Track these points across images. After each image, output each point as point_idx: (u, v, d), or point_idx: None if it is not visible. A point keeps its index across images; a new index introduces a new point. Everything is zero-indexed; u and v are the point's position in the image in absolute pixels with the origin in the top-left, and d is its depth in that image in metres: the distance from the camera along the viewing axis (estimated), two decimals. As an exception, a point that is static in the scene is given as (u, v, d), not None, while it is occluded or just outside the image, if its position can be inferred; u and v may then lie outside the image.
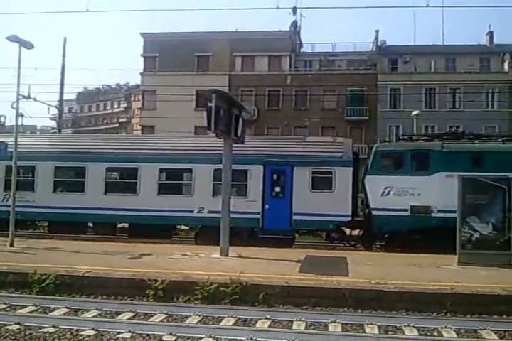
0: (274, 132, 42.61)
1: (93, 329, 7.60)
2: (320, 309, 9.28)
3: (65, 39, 33.45)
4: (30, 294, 9.96)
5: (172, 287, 9.81)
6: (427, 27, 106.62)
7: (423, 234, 16.52)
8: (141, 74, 47.93)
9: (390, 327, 8.12)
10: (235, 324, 8.23)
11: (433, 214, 16.59)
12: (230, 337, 7.30)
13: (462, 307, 9.09)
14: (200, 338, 7.26)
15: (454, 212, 14.99)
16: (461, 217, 12.80)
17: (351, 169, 17.75)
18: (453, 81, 43.49)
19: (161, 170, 18.75)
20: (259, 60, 47.43)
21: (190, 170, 18.49)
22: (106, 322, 8.02)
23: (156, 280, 9.84)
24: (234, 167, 16.04)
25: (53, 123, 57.56)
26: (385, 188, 17.01)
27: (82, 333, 7.42)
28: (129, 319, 8.42)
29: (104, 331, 7.55)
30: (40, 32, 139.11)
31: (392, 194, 16.95)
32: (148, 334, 7.41)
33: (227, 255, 13.21)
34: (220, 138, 14.25)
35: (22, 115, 17.47)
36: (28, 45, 15.45)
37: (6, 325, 7.74)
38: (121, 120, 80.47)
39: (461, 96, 43.56)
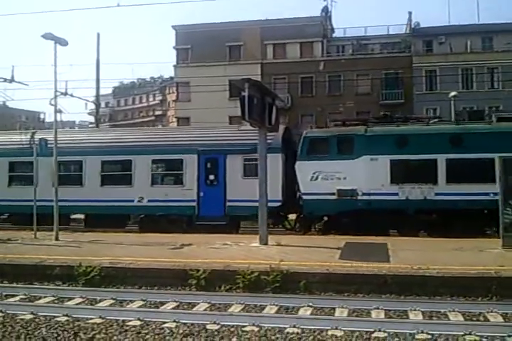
0: (308, 119, 42.32)
1: (139, 319, 7.76)
2: (362, 296, 9.26)
3: (98, 35, 34.00)
4: (76, 286, 10.26)
5: (214, 276, 9.94)
6: (462, 6, 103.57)
7: (350, 216, 16.88)
8: (175, 66, 48.20)
9: (434, 312, 8.04)
10: (277, 312, 8.28)
11: (358, 197, 16.95)
12: (273, 325, 7.34)
13: (508, 291, 8.92)
14: (244, 326, 7.33)
15: (378, 194, 16.74)
16: (504, 199, 12.47)
17: (280, 155, 17.96)
18: (490, 60, 42.18)
19: (103, 163, 19.38)
20: (290, 47, 47.02)
21: (130, 162, 19.03)
22: (151, 312, 8.19)
23: (197, 270, 9.98)
24: (170, 157, 17.71)
25: (91, 118, 58.73)
26: (314, 173, 17.35)
27: (128, 323, 7.58)
28: (173, 308, 8.58)
29: (149, 321, 7.70)
30: (74, 29, 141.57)
31: (321, 178, 17.30)
32: (192, 324, 7.52)
33: (266, 243, 13.27)
34: (255, 127, 14.25)
35: (60, 111, 17.84)
36: (63, 42, 15.73)
37: (55, 316, 7.99)
38: (156, 113, 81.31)
39: (499, 76, 42.26)
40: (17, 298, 9.41)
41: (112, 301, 9.08)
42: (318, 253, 11.88)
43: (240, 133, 19.03)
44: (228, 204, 18.05)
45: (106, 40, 63.75)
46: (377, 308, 8.22)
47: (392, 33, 48.75)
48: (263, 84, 15.03)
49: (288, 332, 7.07)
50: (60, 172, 17.97)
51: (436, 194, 16.51)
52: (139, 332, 7.15)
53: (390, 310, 8.19)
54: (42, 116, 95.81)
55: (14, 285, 10.44)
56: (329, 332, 7.05)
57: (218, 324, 7.46)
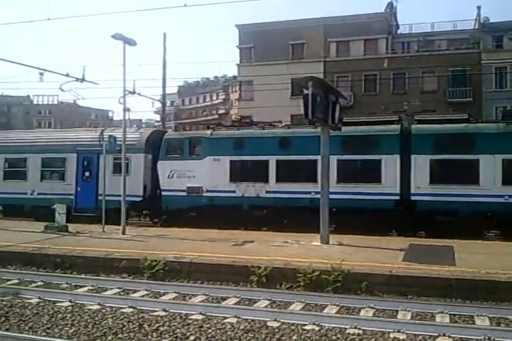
0: (372, 118, 41.58)
1: (201, 313, 7.92)
2: (426, 299, 9.03)
3: (164, 35, 34.68)
4: (141, 279, 10.58)
5: (275, 274, 9.98)
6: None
7: (197, 211, 18.70)
8: (238, 65, 48.61)
9: (502, 319, 7.75)
10: (338, 312, 8.23)
11: (203, 194, 18.71)
12: (333, 325, 7.30)
13: None
14: (304, 325, 7.32)
15: (219, 191, 18.50)
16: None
17: (143, 155, 19.96)
18: None
19: (6, 160, 22.13)
20: (354, 45, 46.33)
21: (25, 160, 21.50)
22: (213, 307, 8.34)
23: (259, 267, 10.05)
24: (55, 155, 20.35)
25: (157, 117, 60.23)
26: (170, 172, 19.27)
27: (191, 317, 7.75)
28: (235, 304, 8.69)
29: (211, 315, 7.84)
30: (142, 29, 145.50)
31: (176, 176, 19.19)
32: (253, 320, 7.59)
33: (327, 243, 13.18)
34: (318, 125, 14.16)
35: (129, 109, 18.37)
36: (132, 42, 16.22)
37: (121, 308, 8.28)
38: (220, 111, 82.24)
39: None
40: (85, 289, 9.82)
41: (175, 295, 9.31)
42: (381, 254, 11.69)
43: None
44: (99, 198, 19.00)
45: (172, 39, 64.93)
46: (442, 312, 8.01)
47: (460, 28, 47.15)
48: (327, 82, 14.92)
49: (349, 333, 7.02)
50: None
51: (267, 192, 18.00)
52: (201, 326, 7.28)
53: (455, 315, 7.97)
54: (110, 114, 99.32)
55: (83, 276, 10.90)
56: (391, 335, 6.94)
57: (279, 321, 7.49)
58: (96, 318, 7.68)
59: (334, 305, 8.47)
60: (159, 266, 10.70)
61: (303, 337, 6.82)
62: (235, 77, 60.91)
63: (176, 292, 9.42)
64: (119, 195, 16.80)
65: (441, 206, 16.25)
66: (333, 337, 6.83)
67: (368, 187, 16.90)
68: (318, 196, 15.11)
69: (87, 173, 20.62)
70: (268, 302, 8.77)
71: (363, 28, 44.65)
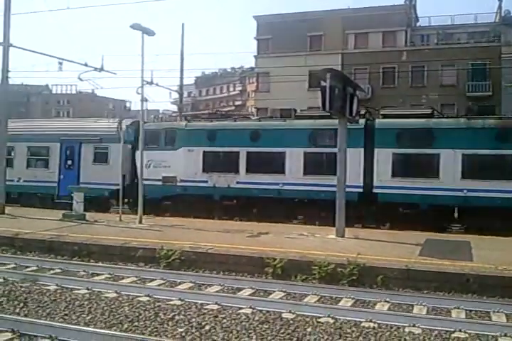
0: (389, 111, 41.23)
1: (216, 303, 7.97)
2: (442, 294, 8.99)
3: (182, 25, 34.92)
4: (157, 268, 10.66)
5: (290, 266, 10.00)
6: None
7: (171, 200, 19.21)
8: (255, 56, 48.43)
9: (519, 316, 7.69)
10: (353, 305, 8.23)
11: (178, 183, 19.21)
12: (348, 318, 7.31)
13: None
14: (319, 317, 7.34)
15: (192, 181, 18.98)
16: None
17: (122, 145, 19.40)
18: None
19: None
20: (372, 37, 45.89)
21: (12, 148, 21.62)
22: (228, 298, 8.38)
23: (274, 259, 10.08)
24: (40, 144, 20.73)
25: (174, 108, 60.32)
26: (148, 161, 19.35)
27: (206, 307, 7.80)
28: (250, 295, 8.73)
29: (226, 306, 7.89)
30: (160, 19, 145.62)
31: (152, 166, 19.60)
32: (268, 311, 7.63)
33: (343, 236, 13.16)
34: (335, 117, 14.10)
35: (146, 100, 18.52)
36: (150, 33, 16.22)
37: (137, 296, 8.37)
38: (236, 103, 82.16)
39: None
40: (102, 277, 9.93)
41: (190, 284, 9.38)
42: (397, 248, 11.65)
43: (94, 126, 21.39)
44: (81, 186, 20.02)
45: (191, 30, 64.96)
46: (458, 308, 7.98)
47: (480, 21, 46.45)
48: (345, 74, 14.84)
49: (364, 326, 7.01)
50: None
51: (238, 182, 18.50)
52: (217, 316, 7.32)
53: (471, 311, 7.94)
54: (128, 104, 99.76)
55: (100, 264, 11.02)
56: (406, 329, 6.93)
57: (294, 313, 7.52)
58: (113, 306, 7.76)
59: (349, 298, 8.48)
60: (175, 256, 10.78)
61: (318, 329, 6.83)
62: (252, 69, 60.72)
63: (191, 282, 9.49)
64: (101, 184, 17.57)
65: (403, 199, 16.63)
66: (348, 330, 6.83)
67: (333, 180, 16.73)
68: (286, 187, 17.12)
69: (69, 162, 21.39)
70: (283, 293, 8.81)
71: (381, 21, 44.20)
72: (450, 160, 16.40)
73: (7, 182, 20.20)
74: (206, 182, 18.86)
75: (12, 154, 22.02)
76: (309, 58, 42.29)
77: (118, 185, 19.27)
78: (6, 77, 18.45)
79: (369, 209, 17.25)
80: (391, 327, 7.00)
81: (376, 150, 17.22)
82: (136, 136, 20.13)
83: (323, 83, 12.59)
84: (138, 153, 19.45)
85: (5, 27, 18.28)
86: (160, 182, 19.44)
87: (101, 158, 20.66)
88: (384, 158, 17.07)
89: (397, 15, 45.41)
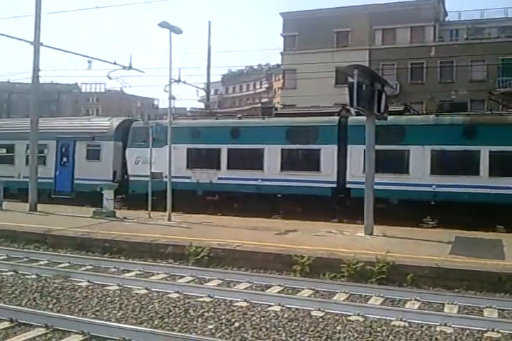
0: (418, 107, 40.74)
1: (245, 300, 7.99)
2: (473, 293, 8.85)
3: (209, 23, 34.87)
4: (187, 265, 10.74)
5: (318, 263, 9.96)
6: None
7: (157, 195, 18.75)
8: (282, 53, 48.35)
9: (554, 316, 7.53)
10: (382, 303, 8.16)
11: (164, 179, 18.72)
12: (378, 317, 7.25)
13: None
14: (349, 316, 7.30)
15: (178, 177, 18.83)
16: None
17: (113, 143, 21.55)
18: None
19: None
20: (400, 33, 45.35)
21: (13, 146, 23.37)
22: (257, 295, 8.39)
23: (302, 257, 10.05)
24: (38, 142, 20.18)
25: (201, 105, 60.59)
26: (137, 158, 20.62)
27: (235, 304, 7.82)
28: (278, 293, 8.73)
29: (255, 303, 7.91)
30: (187, 17, 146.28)
31: (141, 163, 20.31)
32: (297, 309, 7.62)
33: (371, 234, 13.06)
34: (363, 114, 13.98)
35: (174, 98, 18.88)
36: (178, 31, 16.32)
37: (167, 293, 8.44)
38: (263, 100, 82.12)
39: None
40: (132, 274, 10.05)
41: (219, 281, 9.43)
42: (427, 246, 11.52)
43: (87, 124, 22.24)
44: (75, 182, 21.76)
45: (217, 28, 65.07)
46: (490, 307, 7.85)
47: (511, 16, 45.50)
48: (372, 70, 14.69)
49: (394, 325, 6.94)
50: None
51: (219, 178, 19.11)
52: (246, 313, 7.33)
53: (503, 310, 7.79)
54: (156, 102, 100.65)
55: (130, 261, 11.16)
56: (438, 329, 6.83)
57: (323, 311, 7.49)
58: (143, 302, 7.82)
59: (379, 296, 8.41)
60: (204, 253, 10.84)
61: (347, 327, 6.78)
62: (278, 66, 60.60)
63: (220, 279, 9.54)
64: (93, 179, 18.40)
65: (374, 194, 16.79)
66: (378, 329, 6.77)
67: (309, 175, 17.98)
68: (265, 183, 18.09)
69: (64, 159, 22.54)
70: (311, 291, 8.78)
71: (409, 16, 43.65)
72: (419, 157, 16.88)
73: (8, 179, 21.39)
74: (190, 178, 19.53)
75: (13, 152, 23.64)
76: (336, 54, 42.06)
77: (108, 181, 20.53)
78: (36, 75, 18.82)
79: (343, 204, 17.83)
80: (422, 326, 6.92)
81: (349, 147, 17.75)
82: (126, 133, 21.59)
83: (350, 79, 12.50)
84: (128, 151, 21.21)
85: (35, 27, 18.63)
86: (147, 178, 19.55)
87: (93, 155, 21.87)
88: (356, 154, 17.37)
89: (426, 10, 44.78)
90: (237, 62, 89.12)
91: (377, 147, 16.62)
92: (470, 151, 16.44)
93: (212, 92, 46.59)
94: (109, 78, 21.94)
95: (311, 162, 18.15)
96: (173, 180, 18.88)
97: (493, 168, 16.17)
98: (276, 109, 21.50)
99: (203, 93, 36.07)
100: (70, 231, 13.11)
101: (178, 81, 21.09)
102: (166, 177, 19.21)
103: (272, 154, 18.74)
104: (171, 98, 17.12)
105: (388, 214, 16.13)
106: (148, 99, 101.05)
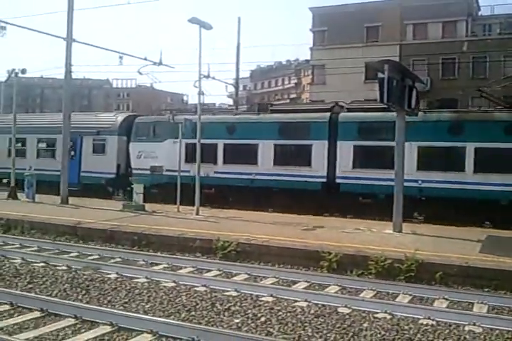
0: (451, 104, 40.03)
1: (271, 295, 8.01)
2: (503, 293, 8.69)
3: (239, 19, 34.82)
4: (214, 259, 10.82)
5: (345, 260, 9.92)
6: None
7: (158, 188, 20.31)
8: (311, 48, 48.05)
9: None
10: (410, 301, 8.08)
11: (164, 173, 20.48)
12: (406, 315, 7.18)
13: None
14: (376, 313, 7.25)
15: (176, 171, 18.75)
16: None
17: (117, 137, 22.56)
18: None
19: (11, 140, 23.76)
20: (432, 27, 44.58)
21: (24, 139, 24.26)
22: (283, 290, 8.40)
23: (329, 253, 10.02)
24: (48, 136, 22.44)
25: (230, 101, 60.75)
26: (139, 152, 21.72)
27: (262, 299, 7.84)
28: (305, 288, 8.72)
29: (281, 298, 7.91)
30: (216, 12, 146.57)
31: (143, 157, 21.56)
32: (323, 305, 7.59)
33: (400, 231, 12.93)
34: (393, 110, 13.82)
35: (203, 93, 18.94)
36: (208, 26, 16.38)
37: (194, 286, 8.52)
38: (291, 96, 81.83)
39: None
40: (161, 267, 10.18)
41: (246, 276, 9.48)
42: (456, 244, 11.33)
43: (93, 119, 22.83)
44: (82, 174, 22.85)
45: (247, 23, 65.06)
46: (521, 307, 7.70)
47: (549, 9, 44.35)
48: (403, 66, 14.53)
49: (422, 324, 6.87)
50: None
51: (215, 172, 19.61)
52: (272, 308, 7.34)
53: (535, 311, 7.63)
54: (185, 97, 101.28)
55: (158, 254, 11.30)
56: (466, 328, 6.74)
57: (349, 308, 7.46)
58: (171, 295, 7.91)
59: (406, 294, 8.33)
60: (231, 247, 10.90)
61: (374, 324, 6.74)
62: (307, 61, 60.27)
63: (247, 273, 9.58)
64: (98, 172, 19.30)
65: (362, 189, 17.77)
66: (406, 327, 6.70)
67: (300, 170, 18.62)
68: (259, 177, 18.76)
69: (72, 152, 22.72)
70: (338, 288, 8.76)
71: (441, 10, 42.82)
72: (406, 153, 16.69)
73: (20, 171, 22.06)
74: (188, 171, 19.69)
75: (25, 145, 24.63)
76: (366, 49, 41.62)
77: (112, 173, 21.67)
78: (69, 71, 19.13)
79: (332, 199, 18.24)
80: (450, 325, 6.84)
81: (339, 143, 18.26)
82: (131, 128, 22.50)
83: (380, 75, 12.36)
84: (131, 145, 22.16)
85: (68, 23, 18.92)
86: (149, 172, 21.05)
87: (99, 149, 22.93)
88: (346, 150, 18.07)
89: (458, 4, 43.89)
90: (265, 58, 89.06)
91: (366, 143, 17.88)
92: (455, 147, 16.72)
93: (241, 88, 46.54)
94: (140, 73, 22.27)
95: (303, 157, 18.76)
96: (173, 173, 19.80)
97: (478, 164, 16.37)
98: (271, 105, 21.66)
99: (232, 88, 36.08)
100: (99, 224, 13.33)
101: (208, 76, 21.20)
102: (166, 170, 20.62)
103: (266, 149, 19.39)
104: (201, 93, 17.15)
105: (375, 208, 16.80)
106: (177, 94, 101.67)
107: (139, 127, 22.20)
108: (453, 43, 42.74)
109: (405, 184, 16.54)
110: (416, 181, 17.00)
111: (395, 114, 17.77)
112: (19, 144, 24.37)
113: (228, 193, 19.59)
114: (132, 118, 23.36)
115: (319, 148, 18.49)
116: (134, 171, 21.81)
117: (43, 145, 24.74)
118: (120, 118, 23.46)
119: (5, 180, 25.30)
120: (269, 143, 19.24)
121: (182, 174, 18.94)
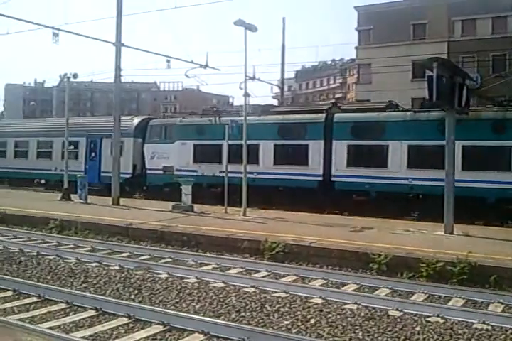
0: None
1: (320, 297, 7.96)
2: (563, 297, 8.35)
3: (283, 19, 35.01)
4: (262, 260, 10.85)
5: (395, 262, 9.76)
6: None
7: (169, 187, 21.15)
8: (356, 48, 47.56)
9: None
10: (464, 305, 7.89)
11: (174, 172, 21.61)
12: (459, 319, 7.02)
13: None
14: (428, 317, 7.11)
15: (186, 170, 21.39)
16: None
17: (132, 139, 23.86)
18: None
19: (38, 142, 27.23)
20: (481, 23, 43.32)
21: (51, 142, 26.30)
22: (332, 292, 8.33)
23: (379, 255, 9.89)
24: (72, 139, 22.82)
25: (275, 102, 60.82)
26: (152, 153, 23.07)
27: (311, 301, 7.82)
28: (354, 291, 8.63)
29: (331, 300, 7.86)
30: (261, 14, 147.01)
31: (156, 158, 22.87)
32: (374, 308, 7.50)
33: (451, 233, 12.62)
34: (443, 109, 13.53)
35: (249, 95, 19.13)
36: (253, 29, 16.45)
37: (243, 287, 8.57)
38: (336, 95, 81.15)
39: None
40: (210, 267, 10.28)
41: (295, 277, 9.46)
42: (510, 246, 10.99)
43: (111, 123, 22.36)
44: (102, 174, 24.02)
45: (291, 24, 64.85)
46: None
47: None
48: (453, 63, 14.22)
49: (476, 328, 6.70)
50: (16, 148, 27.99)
51: (221, 171, 19.52)
52: (321, 310, 7.31)
53: None
54: (230, 100, 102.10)
55: (207, 254, 11.42)
56: (524, 333, 6.53)
57: (401, 311, 7.34)
58: (220, 296, 7.97)
59: (459, 297, 8.14)
60: (279, 248, 10.91)
61: (426, 328, 6.61)
62: (352, 60, 59.70)
63: (295, 274, 9.57)
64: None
65: (356, 187, 18.34)
66: (459, 331, 6.55)
67: (298, 169, 19.35)
68: (260, 176, 19.64)
69: (93, 154, 25.02)
70: (388, 290, 8.63)
71: (491, 5, 41.55)
72: (397, 151, 17.63)
73: (47, 172, 24.00)
74: (196, 171, 21.18)
75: (52, 147, 26.36)
76: (412, 48, 40.85)
77: (128, 173, 23.05)
78: (118, 75, 19.59)
79: (328, 196, 18.79)
80: (506, 330, 6.65)
81: (334, 142, 18.88)
82: (146, 131, 23.75)
83: (429, 73, 12.14)
84: (145, 146, 23.52)
85: (117, 28, 19.38)
86: (161, 172, 22.36)
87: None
88: (340, 149, 18.71)
89: (508, -2, 42.53)
90: (311, 58, 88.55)
91: (359, 143, 18.42)
92: (444, 146, 16.27)
93: (285, 88, 46.49)
94: (187, 76, 22.69)
95: (301, 156, 19.47)
96: (182, 173, 21.05)
97: (466, 162, 16.39)
98: (273, 106, 22.53)
99: (277, 89, 36.14)
100: (150, 225, 13.59)
101: (253, 78, 21.32)
102: (176, 170, 21.70)
103: (267, 149, 20.21)
104: (246, 95, 17.25)
105: (368, 206, 17.46)
106: (223, 96, 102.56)
107: (152, 129, 23.47)
108: (504, 39, 41.41)
109: (396, 182, 17.52)
110: (406, 179, 17.45)
111: (387, 114, 18.66)
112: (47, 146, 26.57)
113: (232, 192, 19.06)
114: (147, 121, 24.58)
115: (316, 148, 19.23)
116: (148, 171, 23.25)
117: (70, 147, 25.48)
118: (136, 121, 24.78)
119: (42, 181, 27.24)
120: (270, 143, 20.11)
121: (190, 173, 20.30)
